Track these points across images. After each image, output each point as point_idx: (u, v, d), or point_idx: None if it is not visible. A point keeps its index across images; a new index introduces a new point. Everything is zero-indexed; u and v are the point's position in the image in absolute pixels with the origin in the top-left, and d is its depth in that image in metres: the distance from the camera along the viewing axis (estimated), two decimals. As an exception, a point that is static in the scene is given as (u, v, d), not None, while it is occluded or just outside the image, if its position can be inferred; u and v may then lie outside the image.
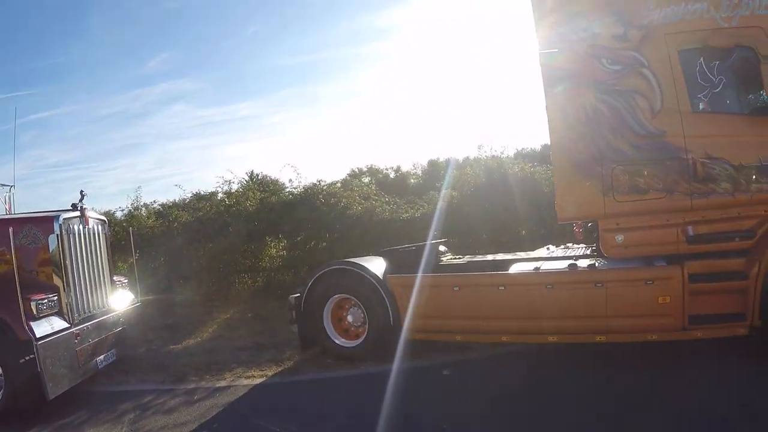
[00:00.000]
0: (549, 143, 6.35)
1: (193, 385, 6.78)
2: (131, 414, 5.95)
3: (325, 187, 12.01)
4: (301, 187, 12.16)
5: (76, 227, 6.77)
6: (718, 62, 5.51)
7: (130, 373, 7.37)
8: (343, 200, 11.45)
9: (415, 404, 5.59)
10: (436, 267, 7.09)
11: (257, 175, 16.57)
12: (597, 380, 5.67)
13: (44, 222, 6.47)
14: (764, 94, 5.53)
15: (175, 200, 14.33)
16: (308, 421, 5.44)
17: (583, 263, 6.27)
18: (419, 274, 6.77)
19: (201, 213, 11.89)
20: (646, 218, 5.79)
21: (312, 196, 11.75)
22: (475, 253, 8.71)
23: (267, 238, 11.78)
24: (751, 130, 5.44)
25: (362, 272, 6.89)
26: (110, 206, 13.92)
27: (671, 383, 5.39)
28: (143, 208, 13.67)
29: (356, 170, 22.40)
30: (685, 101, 5.61)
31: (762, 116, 5.42)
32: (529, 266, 6.59)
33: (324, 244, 11.39)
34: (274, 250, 11.95)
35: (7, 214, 7.71)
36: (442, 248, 8.04)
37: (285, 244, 11.94)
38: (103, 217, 7.79)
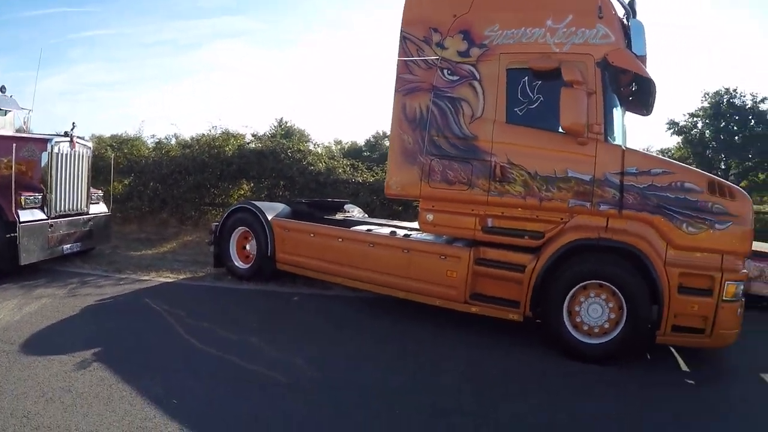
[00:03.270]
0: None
1: (125, 276, 7.68)
2: (73, 285, 7.01)
3: (292, 144, 12.26)
4: (274, 139, 12.51)
5: (64, 148, 7.74)
6: (540, 82, 5.35)
7: (85, 262, 8.33)
8: (309, 157, 11.72)
9: (254, 313, 6.20)
10: (319, 219, 7.49)
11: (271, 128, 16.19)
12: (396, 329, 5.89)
13: (40, 142, 7.58)
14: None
15: (177, 134, 14.45)
16: (177, 307, 6.07)
17: (401, 232, 6.55)
18: (290, 220, 7.28)
19: (188, 150, 12.28)
20: (452, 205, 5.81)
21: (280, 149, 11.95)
22: (384, 217, 9.17)
23: (238, 181, 12.10)
24: (552, 145, 5.32)
25: (258, 212, 7.39)
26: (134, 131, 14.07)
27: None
28: (149, 139, 14.10)
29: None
30: (502, 113, 5.52)
31: (561, 134, 5.22)
32: (374, 228, 6.95)
33: (282, 191, 11.60)
34: (242, 191, 12.25)
35: (19, 132, 8.70)
36: (349, 207, 8.58)
37: (251, 187, 12.22)
38: (89, 143, 8.63)
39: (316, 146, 12.47)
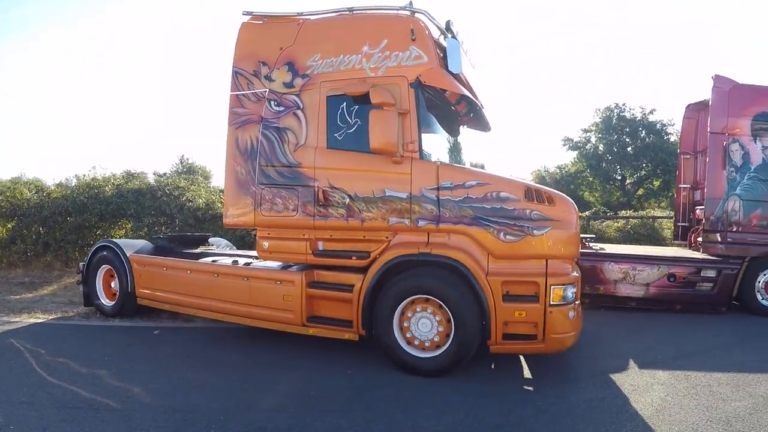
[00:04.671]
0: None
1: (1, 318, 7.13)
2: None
3: (169, 181, 11.76)
4: (150, 179, 11.90)
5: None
6: (357, 107, 5.17)
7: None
8: (188, 193, 11.25)
9: (110, 348, 5.81)
10: (177, 253, 7.09)
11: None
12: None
13: None
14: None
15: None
16: (39, 345, 5.76)
17: (243, 261, 6.22)
18: (146, 256, 6.82)
19: (68, 191, 11.64)
20: (284, 231, 5.56)
21: (158, 186, 11.47)
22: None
23: (119, 220, 11.49)
24: (370, 166, 5.13)
25: (117, 249, 6.92)
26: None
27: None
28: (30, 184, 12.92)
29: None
30: (323, 139, 5.33)
31: (378, 155, 5.03)
32: (219, 259, 6.58)
33: (163, 229, 11.09)
34: (123, 231, 11.66)
35: None
36: (214, 240, 8.16)
37: (131, 226, 11.57)
38: None
39: (196, 183, 11.82)
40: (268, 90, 5.74)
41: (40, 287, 9.50)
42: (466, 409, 4.15)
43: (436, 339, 4.90)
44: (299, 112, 5.58)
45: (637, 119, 26.70)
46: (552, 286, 4.64)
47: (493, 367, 5.26)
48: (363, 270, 5.20)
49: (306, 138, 5.50)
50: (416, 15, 5.20)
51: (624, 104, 27.66)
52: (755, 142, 8.14)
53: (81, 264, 7.54)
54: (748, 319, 7.73)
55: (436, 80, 5.07)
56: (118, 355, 5.56)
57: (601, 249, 8.96)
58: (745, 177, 8.10)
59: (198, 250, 7.37)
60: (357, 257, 5.27)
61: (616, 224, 15.00)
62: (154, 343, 6.23)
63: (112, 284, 7.17)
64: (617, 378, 4.92)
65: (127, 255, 6.87)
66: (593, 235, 10.22)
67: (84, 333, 6.56)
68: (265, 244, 5.72)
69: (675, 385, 4.73)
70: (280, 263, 5.85)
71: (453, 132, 6.50)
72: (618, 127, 27.02)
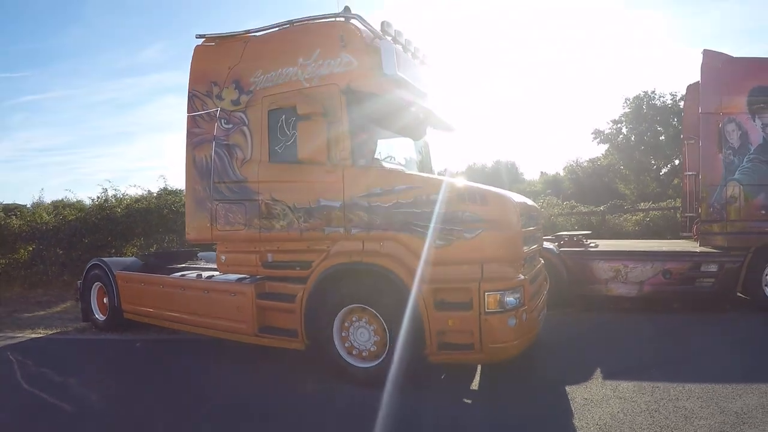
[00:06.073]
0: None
1: (5, 333, 7.54)
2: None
3: (176, 198, 11.78)
4: (153, 196, 12.00)
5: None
6: (294, 119, 5.02)
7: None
8: None
9: (92, 360, 6.14)
10: (163, 270, 7.16)
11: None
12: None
13: None
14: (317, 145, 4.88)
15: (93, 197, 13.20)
16: (29, 357, 6.03)
17: (207, 274, 6.21)
18: (130, 272, 6.98)
19: (81, 213, 11.99)
20: (236, 245, 5.56)
21: (164, 205, 11.62)
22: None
23: (131, 239, 11.75)
24: (305, 177, 5.00)
25: (105, 267, 7.13)
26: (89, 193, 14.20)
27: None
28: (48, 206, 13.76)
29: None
30: (266, 153, 5.27)
31: (309, 165, 4.93)
32: (187, 273, 6.60)
33: (173, 245, 11.32)
34: (134, 248, 11.83)
35: None
36: (203, 255, 8.10)
37: (141, 243, 11.86)
38: None
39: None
40: (219, 109, 5.76)
41: (54, 305, 9.92)
42: (396, 422, 3.92)
43: (373, 349, 4.69)
44: (245, 128, 5.56)
45: (669, 106, 24.91)
46: (486, 293, 4.25)
47: (443, 377, 4.96)
48: (305, 280, 5.06)
49: (251, 153, 5.48)
50: (350, 21, 5.01)
51: (654, 91, 25.91)
52: (753, 120, 7.20)
53: (78, 282, 7.82)
54: (753, 318, 6.85)
55: (365, 84, 4.86)
56: (95, 367, 5.78)
57: (595, 246, 8.33)
58: (744, 159, 7.20)
59: (182, 266, 7.46)
60: (300, 267, 5.15)
61: (634, 217, 13.95)
62: (133, 355, 6.42)
63: (105, 300, 7.39)
64: (573, 390, 4.44)
65: (114, 272, 7.06)
66: (588, 231, 9.57)
67: (73, 346, 6.87)
68: (223, 257, 5.74)
69: (635, 399, 4.19)
70: (238, 276, 5.80)
71: (409, 135, 6.26)
72: (648, 116, 25.31)
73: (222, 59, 5.83)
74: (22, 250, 11.51)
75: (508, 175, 30.81)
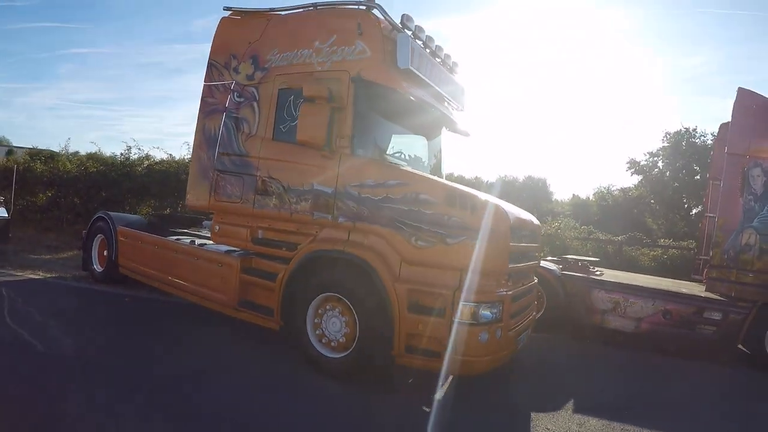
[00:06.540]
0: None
1: (3, 271, 7.77)
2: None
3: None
4: (174, 161, 12.07)
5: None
6: (303, 100, 4.89)
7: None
8: None
9: (77, 306, 6.32)
10: (165, 231, 7.23)
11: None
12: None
13: None
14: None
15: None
16: (21, 296, 6.26)
17: (200, 241, 6.23)
18: (130, 229, 7.06)
19: (102, 167, 12.17)
20: (231, 217, 5.56)
21: (183, 170, 11.36)
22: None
23: (145, 197, 11.86)
24: (304, 159, 4.95)
25: (109, 221, 7.25)
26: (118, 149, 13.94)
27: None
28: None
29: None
30: (270, 130, 5.26)
31: (308, 149, 4.84)
32: (183, 238, 6.65)
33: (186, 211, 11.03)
34: (149, 207, 11.92)
35: None
36: (208, 223, 8.35)
37: (155, 203, 11.94)
38: None
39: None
40: (234, 81, 5.78)
41: (61, 251, 10.19)
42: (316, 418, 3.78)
43: (342, 340, 4.61)
44: (255, 104, 5.57)
45: (708, 146, 23.84)
46: (461, 302, 4.10)
47: (410, 381, 4.80)
48: (283, 260, 5.05)
49: (257, 129, 5.49)
50: (371, 10, 4.94)
51: (695, 129, 24.79)
52: None
53: (83, 231, 8.00)
54: (749, 375, 6.39)
55: (375, 75, 4.77)
56: (78, 313, 5.95)
57: (600, 274, 8.02)
58: (766, 208, 6.75)
59: (183, 231, 7.53)
60: (286, 248, 5.12)
61: (652, 252, 13.43)
62: (118, 308, 6.55)
63: (105, 252, 7.54)
64: (538, 418, 4.25)
65: (116, 227, 7.17)
66: (597, 258, 9.23)
67: (66, 292, 7.06)
68: (217, 227, 5.80)
69: (598, 438, 3.92)
70: (228, 247, 5.80)
71: (421, 133, 6.14)
72: (687, 154, 24.25)
73: (244, 33, 5.85)
74: (41, 195, 11.83)
75: (537, 192, 30.07)
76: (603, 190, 30.21)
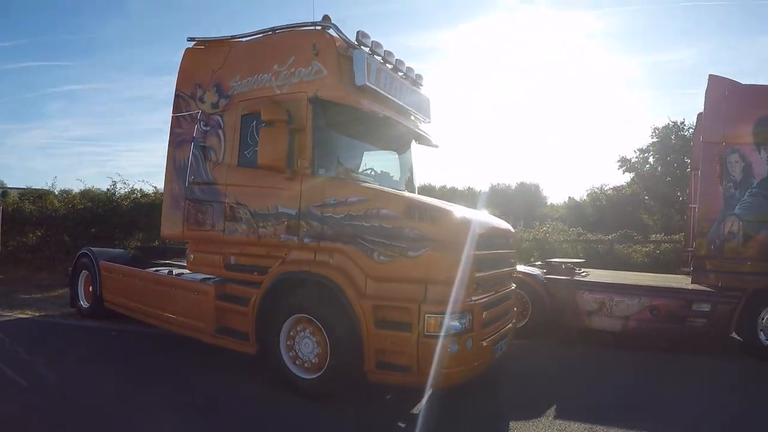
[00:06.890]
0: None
1: None
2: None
3: None
4: (159, 194, 11.60)
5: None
6: (263, 124, 4.85)
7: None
8: None
9: (64, 343, 6.36)
10: (147, 263, 7.22)
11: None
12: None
13: None
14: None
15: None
16: (8, 336, 6.28)
17: (177, 271, 6.21)
18: (112, 264, 7.06)
19: (90, 204, 12.20)
20: (204, 245, 5.57)
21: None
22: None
23: (134, 231, 11.92)
24: (268, 183, 4.94)
25: (92, 256, 7.26)
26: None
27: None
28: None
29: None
30: (235, 157, 5.28)
31: (267, 171, 4.81)
32: (161, 269, 6.66)
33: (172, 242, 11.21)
34: (137, 241, 11.90)
35: None
36: None
37: (142, 236, 11.93)
38: None
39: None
40: (200, 111, 5.82)
41: (52, 290, 10.16)
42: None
43: (315, 361, 4.55)
44: (220, 131, 5.60)
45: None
46: (426, 314, 4.04)
47: (389, 397, 4.74)
48: (255, 285, 5.01)
49: (223, 156, 5.52)
50: (326, 30, 4.97)
51: (683, 122, 24.81)
52: (759, 152, 6.63)
53: (69, 268, 7.99)
54: (743, 365, 6.26)
55: (331, 94, 4.79)
56: (64, 350, 5.96)
57: (585, 275, 7.95)
58: (746, 194, 6.62)
59: (165, 262, 7.52)
60: (258, 272, 5.08)
61: (645, 249, 13.31)
62: (104, 343, 6.52)
63: (90, 288, 7.53)
64: (517, 426, 4.16)
65: (99, 262, 7.17)
66: (583, 260, 9.15)
67: (54, 329, 7.04)
68: (192, 256, 5.81)
69: (580, 444, 3.80)
70: (204, 275, 5.78)
71: (388, 148, 6.15)
72: (677, 147, 24.23)
73: (208, 62, 5.91)
74: (31, 234, 11.88)
75: (530, 197, 30.06)
76: (596, 190, 30.21)
